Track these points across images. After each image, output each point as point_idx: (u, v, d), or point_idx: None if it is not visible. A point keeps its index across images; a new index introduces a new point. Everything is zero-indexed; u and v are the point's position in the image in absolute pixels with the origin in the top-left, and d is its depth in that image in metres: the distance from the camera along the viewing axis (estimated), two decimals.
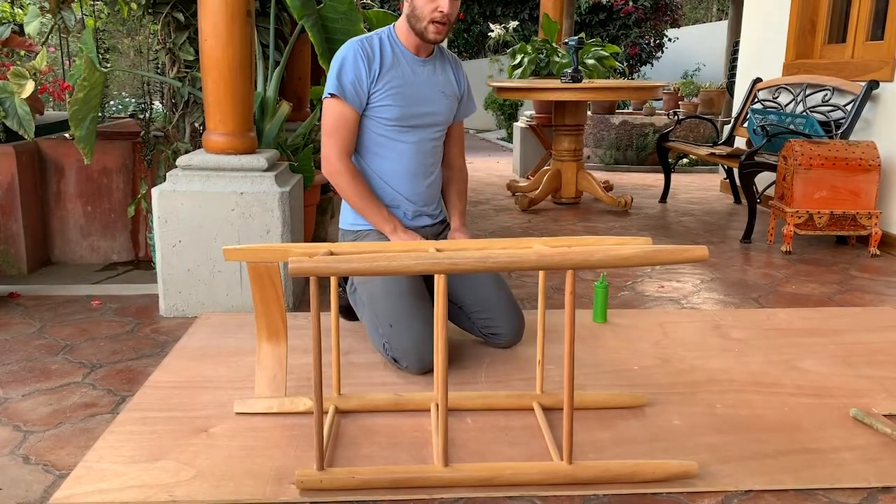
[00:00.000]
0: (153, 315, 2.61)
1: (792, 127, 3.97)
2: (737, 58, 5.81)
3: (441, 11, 2.14)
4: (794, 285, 3.06)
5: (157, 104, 3.60)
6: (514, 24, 7.09)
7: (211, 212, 2.54)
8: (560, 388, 1.94)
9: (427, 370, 2.03)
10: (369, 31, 3.26)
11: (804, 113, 4.12)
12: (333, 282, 1.70)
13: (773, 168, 3.76)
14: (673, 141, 4.92)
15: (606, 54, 5.67)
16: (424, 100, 2.30)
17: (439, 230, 2.42)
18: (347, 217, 2.38)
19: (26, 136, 2.82)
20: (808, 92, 4.24)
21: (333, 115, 2.23)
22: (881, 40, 3.90)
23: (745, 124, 4.57)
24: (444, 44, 2.40)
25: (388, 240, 2.24)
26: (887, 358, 2.23)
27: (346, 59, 2.22)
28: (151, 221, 2.90)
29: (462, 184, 2.49)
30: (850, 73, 4.01)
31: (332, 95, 2.22)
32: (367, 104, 2.25)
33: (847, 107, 3.89)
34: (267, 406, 1.84)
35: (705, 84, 8.52)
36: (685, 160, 6.65)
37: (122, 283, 3.03)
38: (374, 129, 2.27)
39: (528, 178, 5.62)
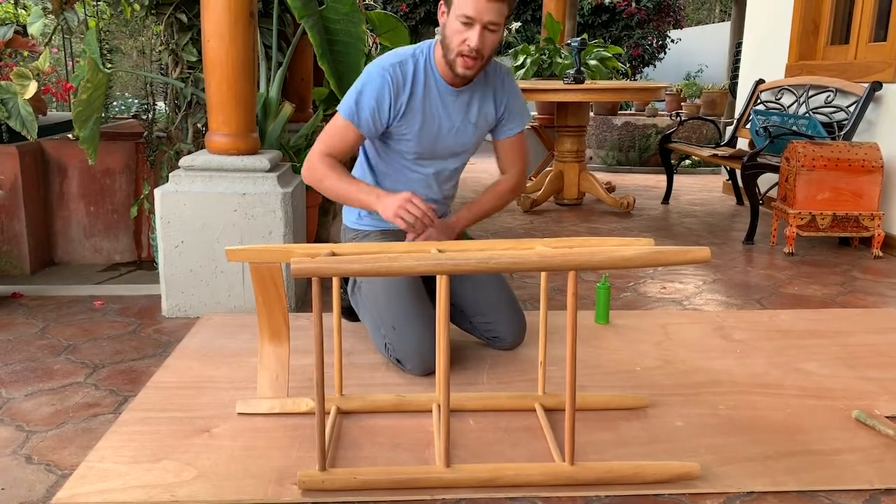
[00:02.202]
0: (155, 315, 2.61)
1: (795, 128, 3.97)
2: (739, 59, 5.80)
3: (468, 45, 1.94)
4: (796, 287, 3.06)
5: (160, 105, 3.60)
6: (516, 25, 7.10)
7: (213, 212, 2.55)
8: (562, 389, 1.94)
9: (430, 372, 2.03)
10: (372, 32, 3.26)
11: (807, 114, 4.12)
12: (336, 283, 1.70)
13: (775, 169, 3.76)
14: (675, 142, 4.92)
15: (609, 55, 5.66)
16: (449, 134, 2.15)
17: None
18: (350, 215, 2.35)
19: (29, 137, 2.83)
20: (810, 93, 4.24)
21: (335, 129, 2.09)
22: (884, 41, 3.90)
23: (748, 126, 4.57)
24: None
25: (390, 240, 2.23)
26: (890, 360, 2.23)
27: (372, 85, 2.04)
28: (154, 222, 2.91)
29: (500, 185, 2.28)
30: (852, 74, 4.00)
31: (342, 115, 2.07)
32: (384, 133, 2.13)
33: (850, 108, 3.88)
34: (269, 407, 1.84)
35: (708, 85, 8.52)
36: (687, 161, 6.65)
37: (124, 283, 3.04)
38: (387, 153, 2.18)
39: (530, 179, 5.62)
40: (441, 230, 2.13)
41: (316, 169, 2.08)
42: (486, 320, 2.21)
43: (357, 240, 2.32)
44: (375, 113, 2.05)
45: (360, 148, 2.28)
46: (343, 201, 2.13)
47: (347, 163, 2.22)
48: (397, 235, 2.27)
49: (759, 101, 4.70)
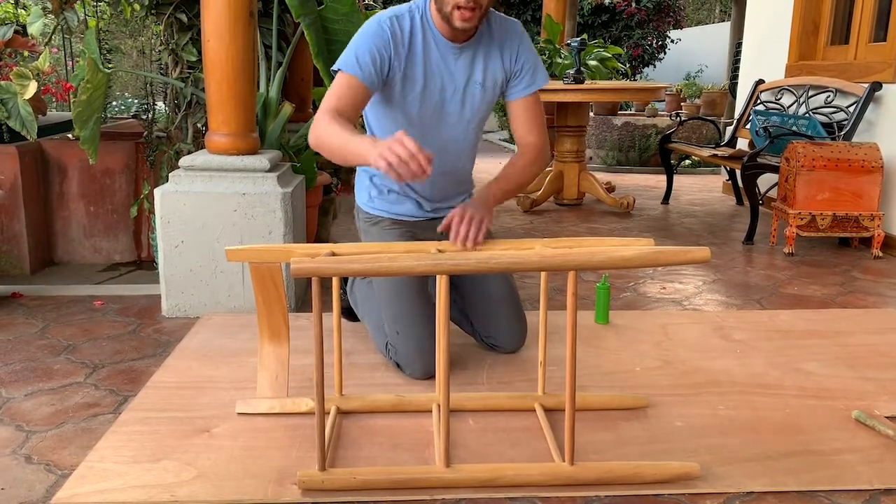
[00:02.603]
0: (155, 315, 2.61)
1: (794, 128, 3.97)
2: (739, 59, 5.81)
3: None
4: (796, 287, 3.06)
5: (160, 105, 3.61)
6: None
7: (213, 212, 2.55)
8: (561, 389, 1.94)
9: (430, 376, 2.02)
10: None
11: (807, 114, 4.12)
12: (335, 283, 1.70)
13: (775, 170, 3.76)
14: (675, 142, 4.92)
15: (609, 55, 5.67)
16: (455, 95, 2.02)
17: None
18: (362, 195, 2.24)
19: (29, 137, 2.82)
20: (810, 93, 4.24)
21: (337, 85, 1.90)
22: (884, 42, 3.90)
23: (748, 126, 4.57)
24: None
25: (400, 230, 2.17)
26: (889, 360, 2.23)
27: (370, 36, 1.91)
28: (154, 222, 2.91)
29: (520, 160, 2.07)
30: (852, 74, 4.00)
31: (343, 72, 1.90)
32: (388, 98, 2.00)
33: (850, 108, 3.88)
34: (269, 406, 1.84)
35: (708, 85, 8.53)
36: (687, 162, 6.65)
37: (124, 283, 3.04)
38: (393, 124, 2.02)
39: None
40: (479, 206, 1.94)
41: (318, 126, 1.84)
42: (486, 327, 2.19)
43: (369, 224, 2.24)
44: (377, 61, 1.90)
45: (366, 124, 2.17)
46: (344, 157, 1.80)
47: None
48: (409, 226, 2.20)
49: (759, 101, 4.70)
